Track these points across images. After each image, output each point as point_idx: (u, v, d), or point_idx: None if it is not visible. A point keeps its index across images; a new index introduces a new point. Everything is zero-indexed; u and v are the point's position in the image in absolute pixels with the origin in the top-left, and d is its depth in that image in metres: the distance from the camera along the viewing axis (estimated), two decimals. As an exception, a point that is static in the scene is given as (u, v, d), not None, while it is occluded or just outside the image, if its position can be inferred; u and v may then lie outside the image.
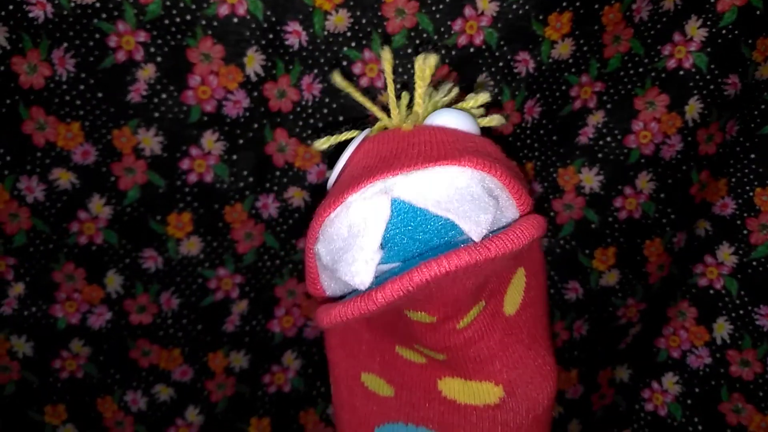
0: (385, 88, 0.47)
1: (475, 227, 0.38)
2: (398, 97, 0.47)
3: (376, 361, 0.50)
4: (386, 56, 0.44)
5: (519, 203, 0.42)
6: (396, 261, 0.40)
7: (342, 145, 0.47)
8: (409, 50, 0.53)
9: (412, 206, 0.39)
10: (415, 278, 0.35)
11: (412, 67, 0.53)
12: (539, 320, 0.49)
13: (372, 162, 0.42)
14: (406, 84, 0.53)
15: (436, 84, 0.49)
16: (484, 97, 0.47)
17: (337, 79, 0.46)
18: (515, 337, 0.46)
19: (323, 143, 0.48)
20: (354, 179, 0.41)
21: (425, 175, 0.39)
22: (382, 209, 0.39)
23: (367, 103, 0.47)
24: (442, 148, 0.41)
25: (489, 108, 0.55)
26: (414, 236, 0.39)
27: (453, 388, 0.48)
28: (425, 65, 0.44)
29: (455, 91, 0.48)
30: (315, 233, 0.42)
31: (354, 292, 0.40)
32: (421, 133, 0.44)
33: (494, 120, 0.48)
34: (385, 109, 0.47)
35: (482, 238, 0.38)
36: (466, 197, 0.39)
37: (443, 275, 0.35)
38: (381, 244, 0.39)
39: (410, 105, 0.47)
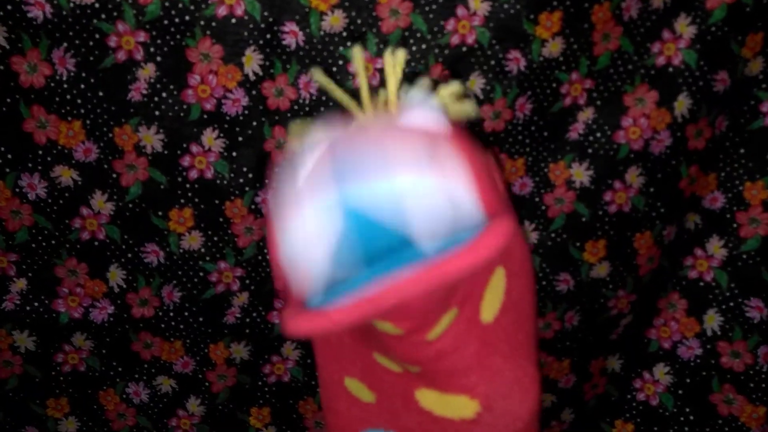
0: (379, 86, 0.48)
1: (428, 241, 0.38)
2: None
3: (357, 367, 0.50)
4: (357, 54, 0.45)
5: (486, 206, 0.40)
6: (357, 266, 0.39)
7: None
8: (404, 49, 0.53)
9: (366, 218, 0.38)
10: (370, 295, 0.34)
11: (405, 66, 0.54)
12: (521, 325, 0.48)
13: (331, 168, 0.41)
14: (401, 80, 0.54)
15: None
16: (456, 87, 0.47)
17: (317, 76, 0.46)
18: (493, 348, 0.45)
19: (297, 131, 0.47)
20: (311, 187, 0.40)
21: (383, 185, 0.38)
22: (333, 221, 0.38)
23: (345, 99, 0.47)
24: (405, 155, 0.40)
25: (481, 105, 0.56)
26: (369, 244, 0.38)
27: (429, 399, 0.47)
28: (394, 61, 0.44)
29: (428, 84, 0.48)
30: (278, 234, 0.42)
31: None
32: (387, 136, 0.42)
33: (466, 107, 0.47)
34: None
35: (440, 248, 0.37)
36: (423, 209, 0.38)
37: (400, 291, 0.34)
38: (337, 254, 0.39)
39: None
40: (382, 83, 0.54)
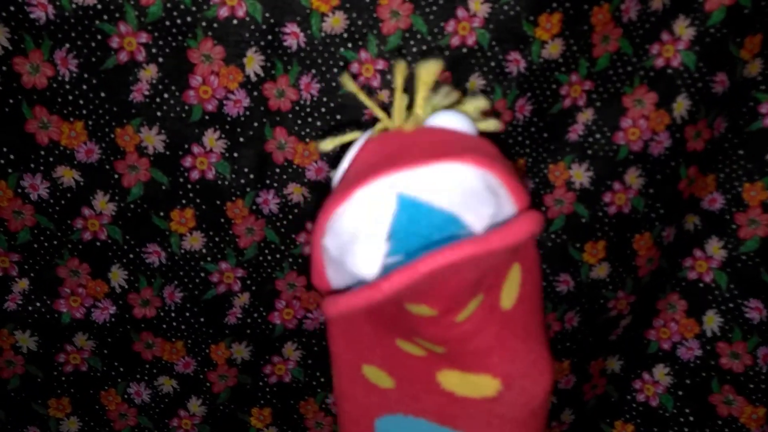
0: (381, 88, 0.49)
1: (477, 220, 0.40)
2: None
3: (376, 354, 0.50)
4: (400, 68, 0.45)
5: (517, 200, 0.43)
6: (400, 255, 0.41)
7: (345, 146, 0.48)
8: (404, 51, 0.54)
9: (416, 201, 0.40)
10: (420, 268, 0.36)
11: (408, 68, 0.54)
12: (534, 315, 0.50)
13: (377, 159, 0.44)
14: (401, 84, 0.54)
15: (435, 87, 0.50)
16: (483, 102, 0.48)
17: (348, 83, 0.47)
18: (512, 332, 0.46)
19: (328, 144, 0.49)
20: (360, 175, 0.42)
21: (429, 171, 0.41)
22: (388, 203, 0.40)
23: (371, 105, 0.48)
24: (444, 147, 0.43)
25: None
26: (418, 231, 0.40)
27: (451, 380, 0.48)
28: (428, 71, 0.45)
29: (454, 94, 0.49)
30: (323, 227, 0.43)
31: (360, 284, 0.41)
32: (423, 133, 0.46)
33: (491, 124, 0.49)
34: (385, 110, 0.48)
35: (483, 232, 0.40)
36: (468, 192, 0.40)
37: (448, 265, 0.36)
38: (387, 238, 0.40)
39: (410, 107, 0.48)
40: (385, 85, 0.55)
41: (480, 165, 0.41)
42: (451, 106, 0.49)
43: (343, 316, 0.39)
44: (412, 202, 0.40)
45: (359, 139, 0.47)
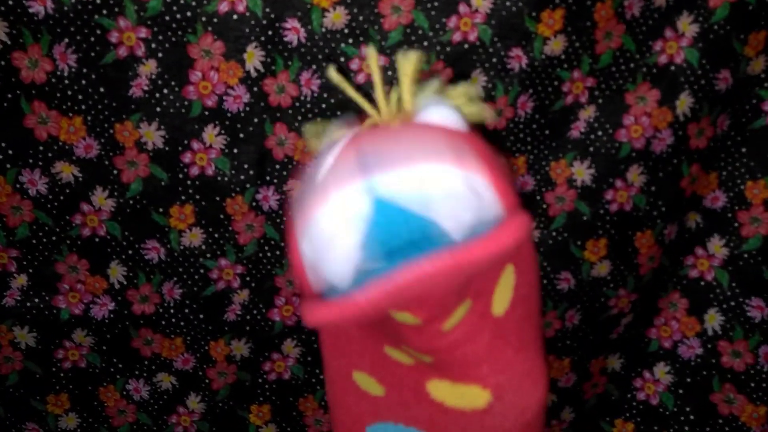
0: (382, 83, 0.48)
1: (456, 226, 0.39)
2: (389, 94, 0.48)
3: (366, 360, 0.50)
4: (371, 53, 0.45)
5: (504, 201, 0.42)
6: (380, 258, 0.40)
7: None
8: (405, 46, 0.54)
9: (394, 205, 0.39)
10: (395, 280, 0.35)
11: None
12: (529, 320, 0.49)
13: (356, 159, 0.42)
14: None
15: (422, 80, 0.50)
16: (471, 89, 0.48)
17: (333, 75, 0.46)
18: (504, 341, 0.45)
19: (311, 131, 0.48)
20: (337, 177, 0.41)
21: (408, 173, 0.39)
22: (362, 208, 0.39)
23: (359, 99, 0.47)
24: (428, 146, 0.41)
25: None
26: (397, 233, 0.39)
27: (441, 390, 0.47)
28: (408, 62, 0.45)
29: (442, 87, 0.48)
30: (300, 231, 0.42)
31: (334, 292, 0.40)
32: (408, 130, 0.44)
33: (479, 109, 0.48)
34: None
35: (465, 237, 0.39)
36: (449, 196, 0.39)
37: (425, 278, 0.35)
38: (364, 243, 0.39)
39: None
40: (386, 81, 0.54)
41: (462, 166, 0.40)
42: (440, 92, 0.48)
43: (322, 326, 0.38)
44: (389, 205, 0.39)
45: (343, 135, 0.46)
